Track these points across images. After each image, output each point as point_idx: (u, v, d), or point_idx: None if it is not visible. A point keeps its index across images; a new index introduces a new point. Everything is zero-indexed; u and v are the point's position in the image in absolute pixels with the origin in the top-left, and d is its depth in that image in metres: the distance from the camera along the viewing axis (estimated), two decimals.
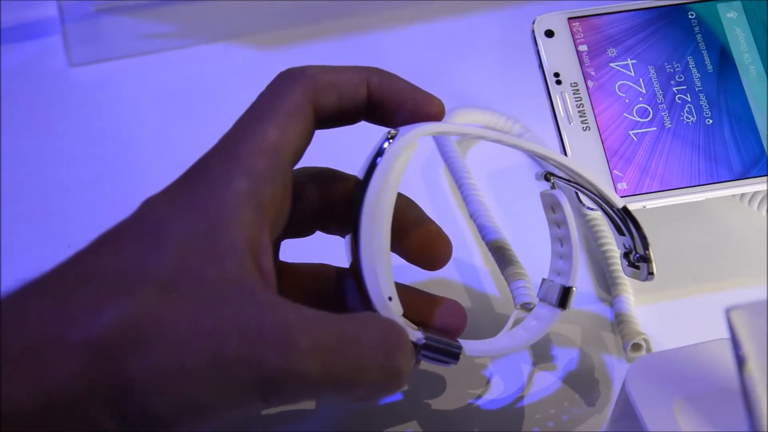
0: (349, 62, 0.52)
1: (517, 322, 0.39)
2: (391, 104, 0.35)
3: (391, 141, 0.34)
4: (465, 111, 0.49)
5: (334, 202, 0.36)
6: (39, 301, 0.29)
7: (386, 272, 0.33)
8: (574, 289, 0.38)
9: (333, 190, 0.37)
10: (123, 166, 0.49)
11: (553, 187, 0.39)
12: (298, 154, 0.34)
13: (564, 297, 0.38)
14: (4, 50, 0.52)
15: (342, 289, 0.37)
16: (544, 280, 0.39)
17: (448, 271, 0.44)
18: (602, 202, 0.39)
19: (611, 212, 0.39)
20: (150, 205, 0.31)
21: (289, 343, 0.29)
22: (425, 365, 0.35)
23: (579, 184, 0.39)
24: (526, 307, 0.40)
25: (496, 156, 0.49)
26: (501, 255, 0.43)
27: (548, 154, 0.38)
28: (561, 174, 0.39)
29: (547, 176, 0.39)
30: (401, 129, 0.35)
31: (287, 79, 0.34)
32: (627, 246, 0.40)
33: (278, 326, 0.29)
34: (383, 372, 0.31)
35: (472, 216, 0.45)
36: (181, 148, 0.49)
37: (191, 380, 0.28)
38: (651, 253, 0.39)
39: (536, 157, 0.47)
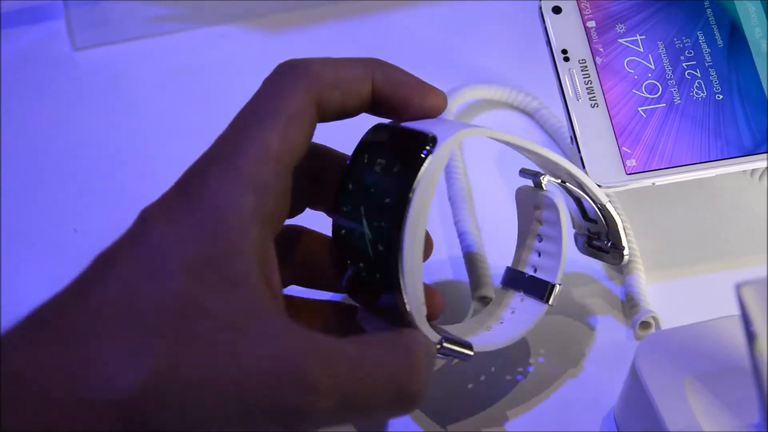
0: (358, 41, 0.52)
1: (475, 313, 0.40)
2: (396, 99, 0.34)
3: (429, 150, 0.33)
4: (473, 88, 0.49)
5: (324, 179, 0.36)
6: (48, 350, 0.27)
7: (421, 285, 0.33)
8: (558, 285, 0.39)
9: (322, 166, 0.36)
10: (129, 150, 0.49)
11: (539, 187, 0.39)
12: (299, 157, 0.32)
13: (550, 293, 0.39)
14: (7, 35, 0.52)
15: (335, 268, 0.36)
16: (521, 272, 0.40)
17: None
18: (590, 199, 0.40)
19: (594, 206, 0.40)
20: (150, 223, 0.30)
21: (307, 382, 0.29)
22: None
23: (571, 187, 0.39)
24: (484, 301, 0.41)
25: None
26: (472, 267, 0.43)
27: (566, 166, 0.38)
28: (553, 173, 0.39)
29: (537, 182, 0.39)
30: (439, 136, 0.33)
31: (290, 75, 0.32)
32: (592, 231, 0.41)
33: (296, 363, 0.28)
34: (400, 402, 0.30)
35: (456, 223, 0.45)
36: (187, 131, 0.49)
37: (215, 424, 0.28)
38: (624, 240, 0.40)
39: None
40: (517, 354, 0.42)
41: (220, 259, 0.29)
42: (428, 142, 0.33)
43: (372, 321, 0.35)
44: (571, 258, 0.44)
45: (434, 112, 0.35)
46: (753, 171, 0.45)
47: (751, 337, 0.29)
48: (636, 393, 0.36)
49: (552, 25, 0.43)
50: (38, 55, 0.51)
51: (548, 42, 0.43)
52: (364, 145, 0.35)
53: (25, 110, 0.50)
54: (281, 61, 0.51)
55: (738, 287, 0.30)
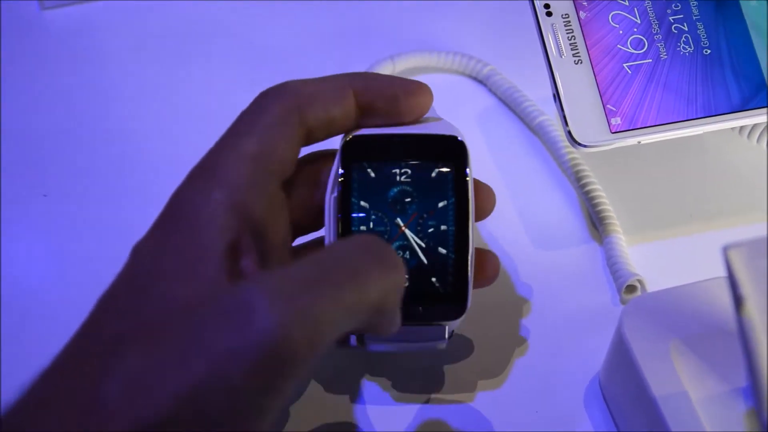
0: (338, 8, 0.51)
1: None
2: (382, 102, 0.35)
3: (463, 149, 0.35)
4: (422, 54, 0.48)
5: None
6: (67, 381, 0.28)
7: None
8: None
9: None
10: (96, 111, 0.48)
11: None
12: (286, 164, 0.34)
13: None
14: None
15: None
16: None
17: None
18: None
19: None
20: (140, 255, 0.32)
21: (257, 308, 0.28)
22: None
23: None
24: None
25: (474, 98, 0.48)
26: None
27: None
28: None
29: None
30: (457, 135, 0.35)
31: (268, 96, 0.35)
32: None
33: (241, 296, 0.28)
34: (382, 266, 0.30)
35: None
36: (155, 91, 0.48)
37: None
38: None
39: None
40: (499, 320, 0.41)
41: (188, 255, 0.31)
42: (457, 143, 0.35)
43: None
44: (547, 220, 0.44)
45: (425, 107, 0.36)
46: (742, 128, 0.44)
47: (738, 300, 0.29)
48: (621, 357, 0.35)
49: None
50: (5, 14, 0.51)
51: None
52: (355, 161, 0.35)
53: None
54: (257, 21, 0.50)
55: (725, 250, 0.29)
